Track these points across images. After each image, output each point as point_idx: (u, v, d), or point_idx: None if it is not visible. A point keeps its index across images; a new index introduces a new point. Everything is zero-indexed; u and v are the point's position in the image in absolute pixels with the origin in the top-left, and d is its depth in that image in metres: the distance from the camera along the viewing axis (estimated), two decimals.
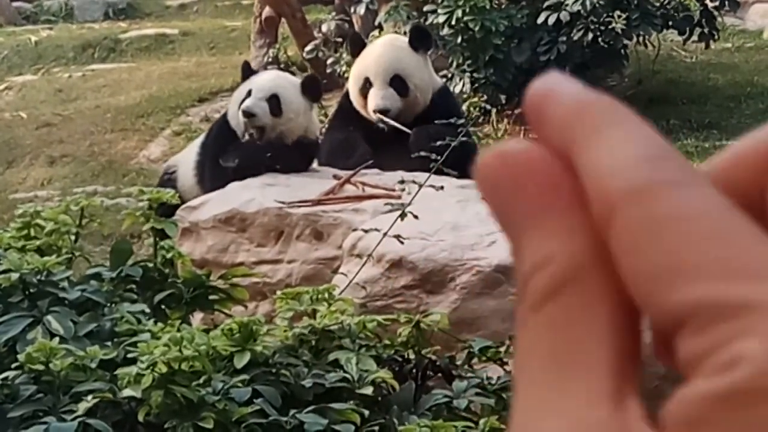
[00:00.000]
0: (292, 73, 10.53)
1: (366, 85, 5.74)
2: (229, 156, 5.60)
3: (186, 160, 6.15)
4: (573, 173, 0.44)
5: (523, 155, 0.44)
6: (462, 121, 4.78)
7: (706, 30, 9.37)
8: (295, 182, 5.47)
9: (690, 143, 8.64)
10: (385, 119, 5.69)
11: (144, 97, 11.22)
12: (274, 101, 5.58)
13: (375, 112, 5.70)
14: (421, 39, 5.86)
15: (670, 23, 9.21)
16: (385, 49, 5.85)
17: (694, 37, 9.44)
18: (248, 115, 5.54)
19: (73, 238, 4.09)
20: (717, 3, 9.42)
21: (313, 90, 5.66)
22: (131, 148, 10.15)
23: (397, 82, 5.71)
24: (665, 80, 9.94)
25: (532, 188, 0.43)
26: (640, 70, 9.78)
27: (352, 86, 5.84)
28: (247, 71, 5.95)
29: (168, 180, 6.04)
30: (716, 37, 9.55)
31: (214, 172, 5.67)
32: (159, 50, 13.50)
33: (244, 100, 5.61)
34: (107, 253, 4.31)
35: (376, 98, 5.69)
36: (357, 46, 5.95)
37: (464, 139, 4.76)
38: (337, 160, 5.66)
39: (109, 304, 3.65)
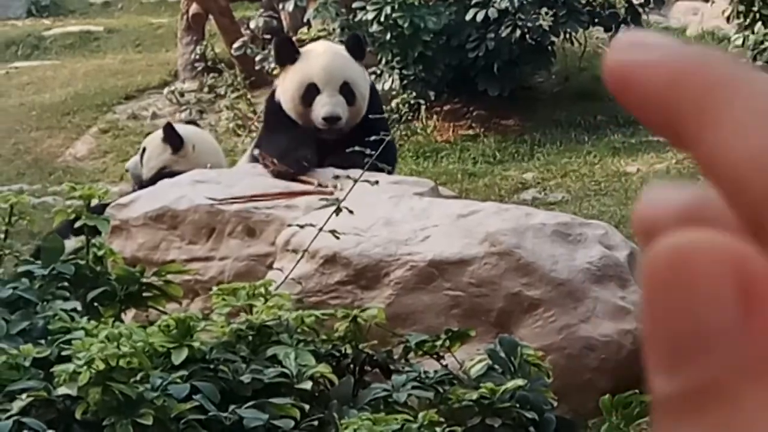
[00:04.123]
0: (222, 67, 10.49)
1: (311, 92, 5.55)
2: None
3: None
4: None
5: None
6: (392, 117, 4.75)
7: (631, 27, 9.47)
8: (226, 179, 5.44)
9: (617, 139, 8.74)
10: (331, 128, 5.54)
11: (69, 95, 11.10)
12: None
13: (325, 119, 5.52)
14: (357, 48, 5.73)
15: (596, 20, 9.31)
16: (332, 56, 5.66)
17: (620, 34, 9.55)
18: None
19: (2, 236, 4.04)
20: (642, 0, 9.53)
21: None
22: (57, 146, 10.04)
23: (346, 90, 5.55)
24: (592, 77, 10.04)
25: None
26: (567, 66, 9.87)
27: (292, 92, 5.60)
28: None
29: None
30: None
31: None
32: (84, 47, 13.37)
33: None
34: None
35: (327, 105, 5.50)
36: (288, 51, 5.69)
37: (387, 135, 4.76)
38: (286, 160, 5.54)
39: (41, 302, 3.60)
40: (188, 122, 7.27)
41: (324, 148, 5.50)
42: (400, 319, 4.44)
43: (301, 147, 5.44)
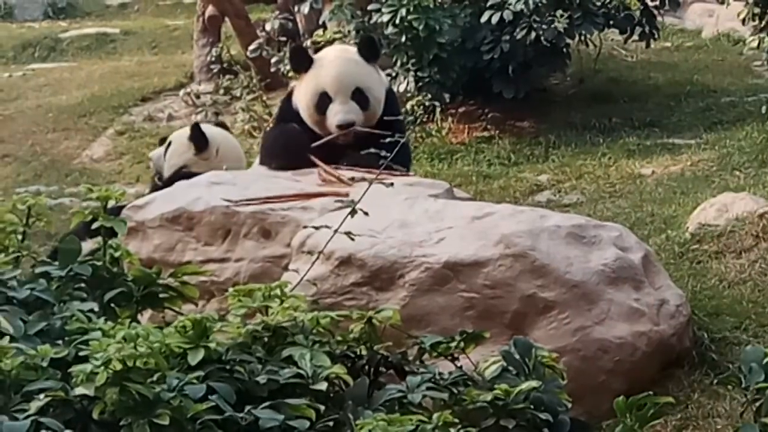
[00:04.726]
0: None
1: (324, 100, 5.59)
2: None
3: None
4: None
5: None
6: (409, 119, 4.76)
7: (646, 29, 9.47)
8: (241, 181, 5.46)
9: (632, 141, 8.73)
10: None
11: (86, 97, 11.15)
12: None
13: (339, 126, 5.54)
14: (370, 49, 5.73)
15: (612, 22, 9.30)
16: (343, 62, 5.68)
17: (635, 37, 9.54)
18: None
19: (20, 237, 4.07)
20: (657, 2, 9.53)
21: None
22: (73, 147, 10.08)
23: (359, 96, 5.58)
24: (607, 79, 10.04)
25: None
26: (582, 68, 9.87)
27: (306, 101, 5.63)
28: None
29: None
30: (656, 36, 9.66)
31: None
32: (100, 49, 13.43)
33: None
34: None
35: (339, 113, 5.54)
36: (302, 59, 5.73)
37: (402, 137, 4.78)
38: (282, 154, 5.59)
39: (58, 303, 3.63)
40: (217, 124, 7.23)
41: (339, 148, 5.52)
42: (414, 321, 4.46)
43: (302, 139, 5.48)
